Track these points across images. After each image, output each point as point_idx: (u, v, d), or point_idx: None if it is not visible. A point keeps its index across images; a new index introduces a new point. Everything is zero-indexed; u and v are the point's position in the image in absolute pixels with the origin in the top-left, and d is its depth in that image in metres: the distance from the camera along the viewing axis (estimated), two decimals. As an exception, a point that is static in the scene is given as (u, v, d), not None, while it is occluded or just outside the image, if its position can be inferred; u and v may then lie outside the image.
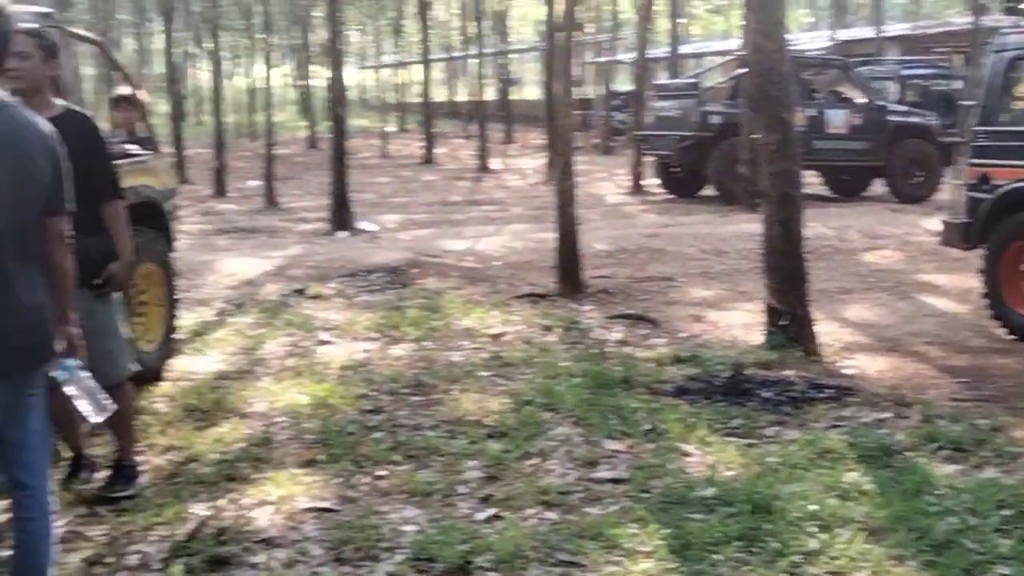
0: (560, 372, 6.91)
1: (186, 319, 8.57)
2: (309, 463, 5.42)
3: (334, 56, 16.88)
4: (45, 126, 3.65)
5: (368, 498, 4.97)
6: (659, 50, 33.05)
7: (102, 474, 5.20)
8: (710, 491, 4.87)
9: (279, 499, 4.94)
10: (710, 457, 5.39)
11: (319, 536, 4.55)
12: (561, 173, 10.12)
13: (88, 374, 3.74)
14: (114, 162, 5.13)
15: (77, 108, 5.06)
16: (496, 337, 8.03)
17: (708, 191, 18.81)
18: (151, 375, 6.81)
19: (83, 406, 3.70)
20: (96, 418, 3.76)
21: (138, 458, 5.39)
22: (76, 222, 4.31)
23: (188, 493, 5.03)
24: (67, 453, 5.30)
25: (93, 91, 36.23)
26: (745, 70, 11.71)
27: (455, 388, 6.68)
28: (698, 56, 35.51)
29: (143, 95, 8.14)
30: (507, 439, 5.69)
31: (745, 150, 15.79)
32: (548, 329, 8.27)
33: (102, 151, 4.95)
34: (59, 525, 4.55)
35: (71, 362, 3.65)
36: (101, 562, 4.37)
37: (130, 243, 5.02)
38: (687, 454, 5.45)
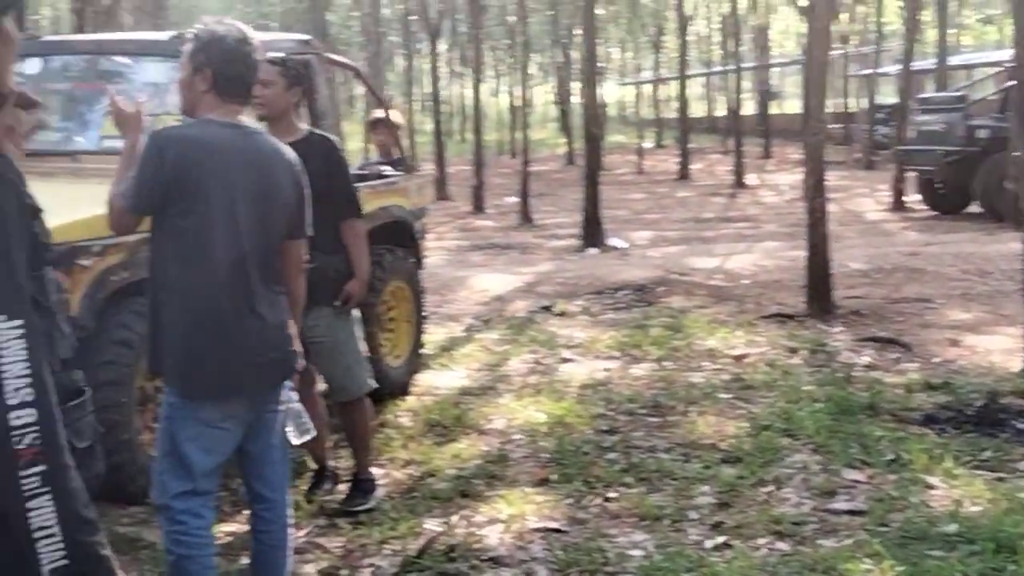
0: (802, 396, 6.75)
1: (435, 334, 8.79)
2: (542, 482, 5.47)
3: (588, 74, 17.03)
4: (290, 153, 3.83)
5: (597, 520, 4.99)
6: (926, 62, 31.89)
7: (344, 486, 5.39)
8: (952, 527, 4.67)
9: (510, 518, 5.00)
10: (955, 491, 5.16)
11: (546, 557, 4.59)
12: (812, 190, 9.88)
13: (296, 396, 3.88)
14: (355, 183, 5.31)
15: (319, 131, 5.27)
16: (738, 358, 7.91)
17: (974, 208, 18.03)
18: (398, 390, 7.02)
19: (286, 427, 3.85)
20: (296, 440, 3.89)
21: (379, 471, 5.57)
22: (316, 241, 4.51)
23: (423, 508, 5.16)
24: (312, 464, 5.52)
25: (364, 112, 37.53)
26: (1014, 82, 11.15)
27: (693, 410, 6.62)
28: (968, 68, 34.07)
29: (397, 117, 8.42)
30: (742, 464, 5.60)
31: (1014, 165, 15.05)
32: (793, 351, 8.08)
33: (343, 172, 5.14)
34: (299, 535, 4.75)
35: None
36: (335, 574, 4.52)
37: (368, 263, 5.19)
38: (931, 487, 5.23)
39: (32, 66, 6.78)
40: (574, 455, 5.81)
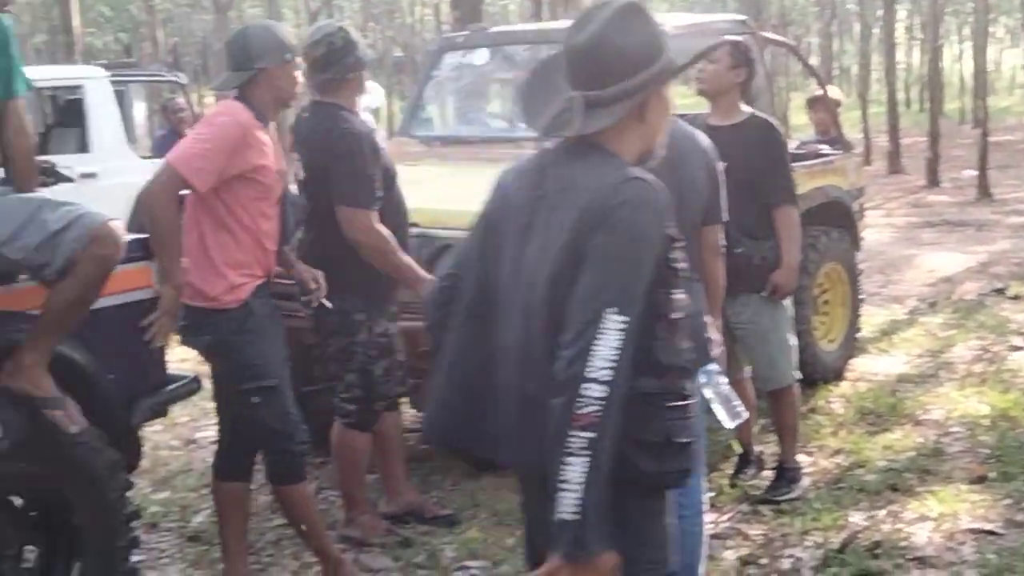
0: None
1: (876, 317, 8.51)
2: (979, 480, 5.19)
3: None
4: (703, 140, 3.83)
5: (1037, 524, 4.67)
6: None
7: (768, 472, 5.33)
8: None
9: (940, 516, 4.79)
10: None
11: (977, 561, 4.37)
12: None
13: (725, 380, 3.85)
14: (792, 169, 5.20)
15: (760, 114, 5.19)
16: None
17: None
18: (831, 375, 6.85)
19: (717, 411, 3.82)
20: (728, 424, 3.86)
21: (805, 459, 5.48)
22: (744, 226, 4.50)
23: (849, 500, 5.03)
24: (737, 448, 5.51)
25: (807, 90, 36.75)
26: None
27: None
28: None
29: (836, 94, 8.21)
30: None
31: None
32: None
33: (780, 157, 5.04)
34: (722, 520, 4.80)
35: (711, 367, 3.78)
36: (755, 563, 4.50)
37: (798, 252, 5.05)
38: None
39: (480, 57, 7.15)
40: (1017, 452, 5.47)
